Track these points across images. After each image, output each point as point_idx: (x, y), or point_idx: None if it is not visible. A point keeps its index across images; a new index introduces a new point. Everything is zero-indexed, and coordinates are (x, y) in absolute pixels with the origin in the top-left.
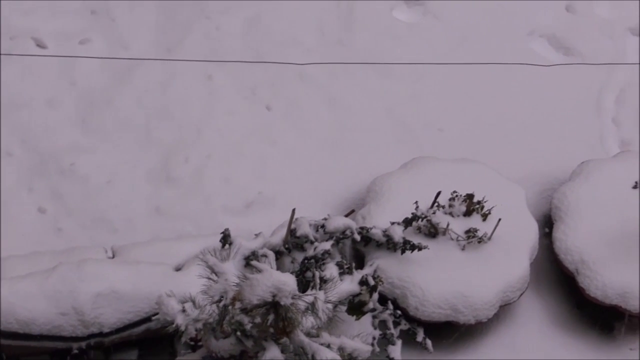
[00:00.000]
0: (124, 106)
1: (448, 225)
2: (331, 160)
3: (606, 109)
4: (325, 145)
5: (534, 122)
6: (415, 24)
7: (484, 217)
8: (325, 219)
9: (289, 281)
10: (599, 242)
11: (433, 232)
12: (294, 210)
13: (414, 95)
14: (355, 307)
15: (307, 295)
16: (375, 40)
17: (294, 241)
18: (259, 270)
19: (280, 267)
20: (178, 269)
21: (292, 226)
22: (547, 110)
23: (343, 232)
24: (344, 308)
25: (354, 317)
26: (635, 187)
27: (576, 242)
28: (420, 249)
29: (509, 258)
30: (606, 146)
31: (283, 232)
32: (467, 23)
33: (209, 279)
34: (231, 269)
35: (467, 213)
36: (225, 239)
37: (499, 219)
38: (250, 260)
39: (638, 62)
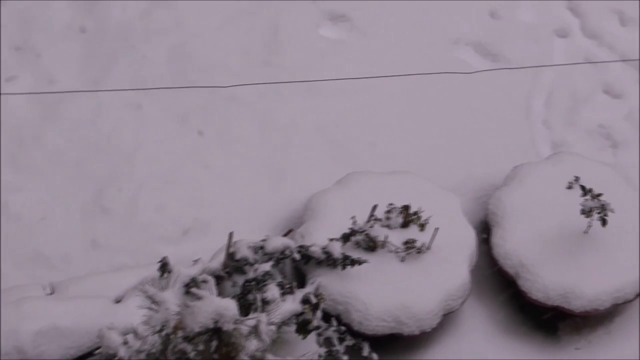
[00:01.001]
0: (53, 141)
1: (386, 237)
2: (266, 181)
3: (536, 112)
4: (260, 167)
5: (465, 129)
6: (342, 40)
7: (422, 227)
8: (264, 240)
9: (230, 306)
10: (537, 244)
11: (372, 245)
12: (231, 233)
13: (345, 111)
14: (300, 326)
15: (250, 318)
16: (302, 58)
17: (233, 265)
18: (199, 297)
19: (221, 292)
20: (118, 301)
21: (231, 250)
22: (478, 117)
23: (282, 252)
24: (288, 329)
25: (300, 336)
26: (569, 187)
27: (515, 246)
28: (360, 263)
29: (449, 266)
30: (538, 149)
31: (222, 256)
32: (393, 36)
33: (150, 309)
34: (171, 298)
35: (405, 224)
36: (164, 267)
37: (436, 229)
38: (190, 288)
39: (564, 64)
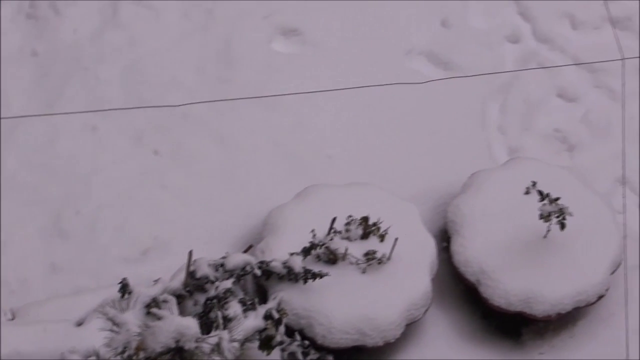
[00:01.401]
0: (9, 166)
1: (346, 250)
2: (225, 198)
3: (491, 119)
4: (218, 184)
5: (421, 139)
6: (295, 54)
7: (381, 238)
8: (224, 257)
9: (191, 325)
10: (497, 250)
11: (332, 258)
12: (190, 252)
13: (301, 125)
14: (263, 342)
15: (211, 336)
16: (256, 74)
17: (194, 283)
18: (160, 317)
19: (183, 311)
20: (79, 324)
21: (191, 268)
22: (433, 126)
23: (243, 269)
24: (251, 345)
25: (264, 352)
26: (526, 192)
27: (474, 253)
28: (321, 276)
29: (410, 276)
30: (495, 155)
31: (182, 275)
32: (345, 49)
33: (111, 330)
34: (132, 319)
35: (364, 236)
36: (124, 288)
37: (396, 239)
38: (151, 308)
39: (517, 70)
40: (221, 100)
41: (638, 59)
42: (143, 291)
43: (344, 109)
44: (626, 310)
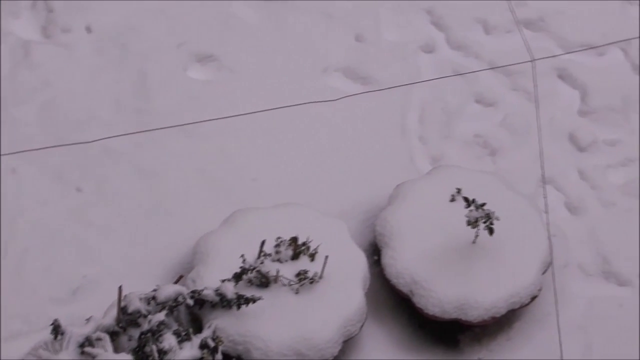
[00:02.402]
0: None
1: (278, 272)
2: (152, 230)
3: (412, 130)
4: (143, 216)
5: (344, 154)
6: (212, 80)
7: (312, 257)
8: (155, 289)
9: None
10: (428, 260)
11: (265, 281)
12: (120, 287)
13: (223, 151)
14: None
15: None
16: (173, 103)
17: (127, 318)
18: (94, 356)
19: (117, 348)
20: None
21: (123, 303)
22: (355, 141)
23: (175, 300)
24: None
25: None
26: (452, 200)
27: (405, 265)
28: (254, 301)
29: (344, 292)
30: (418, 165)
31: (114, 311)
32: (262, 71)
33: None
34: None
35: (295, 256)
36: (56, 329)
37: (326, 257)
38: (85, 347)
39: (433, 79)
40: (139, 132)
41: (549, 58)
42: (76, 331)
43: (265, 131)
44: (557, 309)
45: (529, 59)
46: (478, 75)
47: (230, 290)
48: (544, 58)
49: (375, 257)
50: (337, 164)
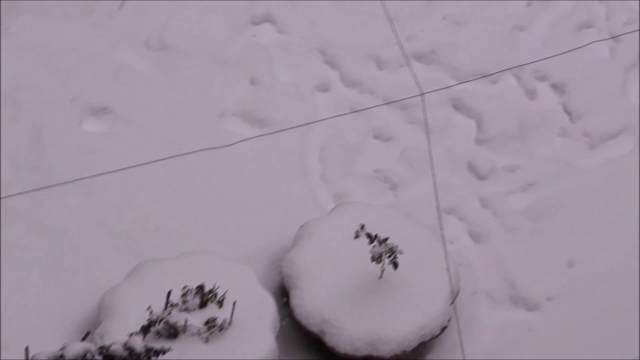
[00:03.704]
0: None
1: (186, 321)
2: (57, 287)
3: (313, 169)
4: (47, 274)
5: (247, 199)
6: (108, 132)
7: (220, 304)
8: (63, 348)
9: None
10: (337, 298)
11: (173, 332)
12: (27, 348)
13: (124, 202)
14: None
15: None
16: (71, 157)
17: None
18: None
19: None
20: None
21: None
22: (258, 184)
23: (84, 357)
24: None
25: None
26: (356, 236)
27: (315, 304)
28: (163, 352)
29: (254, 337)
30: (321, 204)
31: None
32: (158, 120)
33: None
34: None
35: (203, 304)
36: None
37: (234, 303)
38: None
39: (329, 117)
40: (37, 189)
41: (443, 89)
42: None
43: (165, 180)
44: (460, 340)
45: (419, 93)
46: (374, 110)
47: (138, 343)
48: (433, 91)
49: (285, 299)
50: (240, 208)
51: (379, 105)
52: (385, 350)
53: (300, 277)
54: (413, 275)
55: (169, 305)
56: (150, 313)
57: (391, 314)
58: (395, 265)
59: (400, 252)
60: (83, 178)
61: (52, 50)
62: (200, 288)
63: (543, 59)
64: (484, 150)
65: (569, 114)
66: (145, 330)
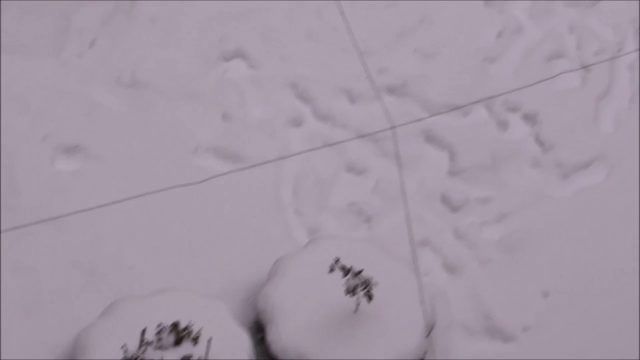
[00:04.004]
0: None
1: (161, 359)
2: (30, 328)
3: (286, 204)
4: (21, 315)
5: (221, 235)
6: (80, 170)
7: (195, 341)
8: None
9: None
10: (313, 333)
11: None
12: None
13: (97, 241)
14: None
15: None
16: (43, 196)
17: None
18: None
19: None
20: None
21: None
22: (231, 219)
23: None
24: None
25: None
26: (331, 270)
27: (291, 339)
28: None
29: None
30: (296, 238)
31: None
32: (131, 157)
33: None
34: None
35: (178, 342)
36: None
37: (209, 340)
38: None
39: (302, 152)
40: (8, 230)
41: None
42: None
43: (138, 218)
44: None
45: (389, 126)
46: (346, 144)
47: None
48: (404, 124)
49: (260, 335)
50: (214, 244)
51: (351, 139)
52: None
53: (275, 312)
54: (388, 309)
55: (143, 343)
56: (125, 351)
57: (367, 348)
58: (370, 297)
59: (375, 284)
60: (55, 217)
61: (22, 89)
62: (175, 325)
63: (514, 90)
64: (456, 182)
65: (541, 144)
66: None
